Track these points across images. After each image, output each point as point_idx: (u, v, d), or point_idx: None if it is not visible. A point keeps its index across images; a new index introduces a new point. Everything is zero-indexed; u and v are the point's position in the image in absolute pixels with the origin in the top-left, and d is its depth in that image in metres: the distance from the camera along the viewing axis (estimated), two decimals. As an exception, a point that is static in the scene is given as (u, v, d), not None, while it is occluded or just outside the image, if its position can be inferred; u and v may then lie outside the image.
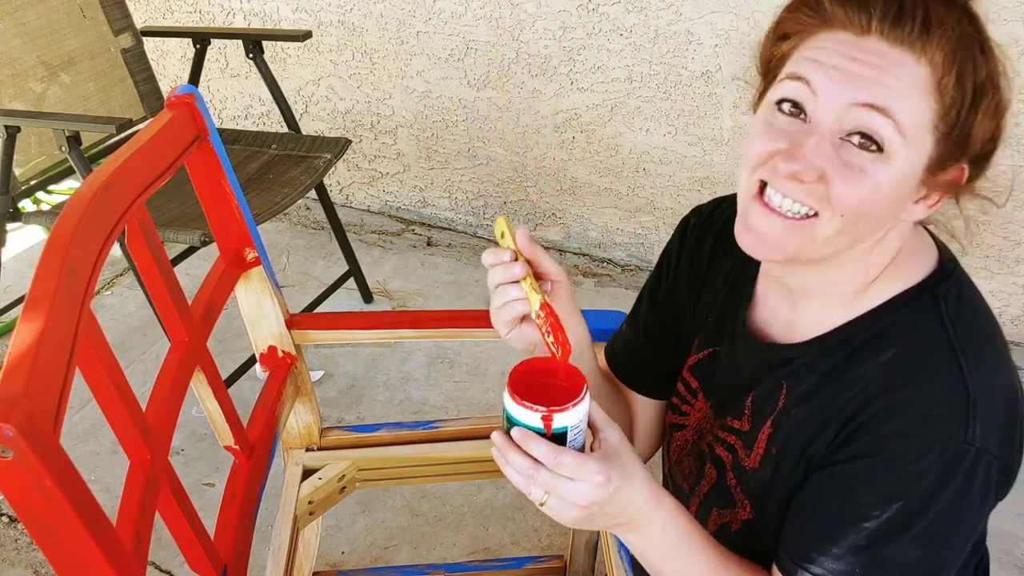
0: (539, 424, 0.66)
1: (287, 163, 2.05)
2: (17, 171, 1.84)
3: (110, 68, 2.13)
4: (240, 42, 2.14)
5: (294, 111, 2.37)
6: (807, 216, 0.68)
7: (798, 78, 0.67)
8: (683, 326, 0.93)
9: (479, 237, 2.68)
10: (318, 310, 2.20)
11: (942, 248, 0.77)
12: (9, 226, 1.93)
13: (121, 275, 2.49)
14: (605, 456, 0.68)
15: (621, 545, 1.02)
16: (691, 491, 0.89)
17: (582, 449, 0.70)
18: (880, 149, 0.64)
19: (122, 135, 1.76)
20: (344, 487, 1.23)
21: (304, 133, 2.17)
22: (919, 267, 0.74)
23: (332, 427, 1.29)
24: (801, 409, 0.75)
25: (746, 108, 2.08)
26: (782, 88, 0.68)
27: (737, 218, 0.72)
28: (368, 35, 2.44)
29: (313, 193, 2.09)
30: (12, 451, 0.52)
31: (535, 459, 0.67)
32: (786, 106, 0.68)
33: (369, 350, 2.18)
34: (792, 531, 0.74)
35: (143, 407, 0.80)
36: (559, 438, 0.67)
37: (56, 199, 2.65)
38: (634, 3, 2.08)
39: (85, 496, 0.59)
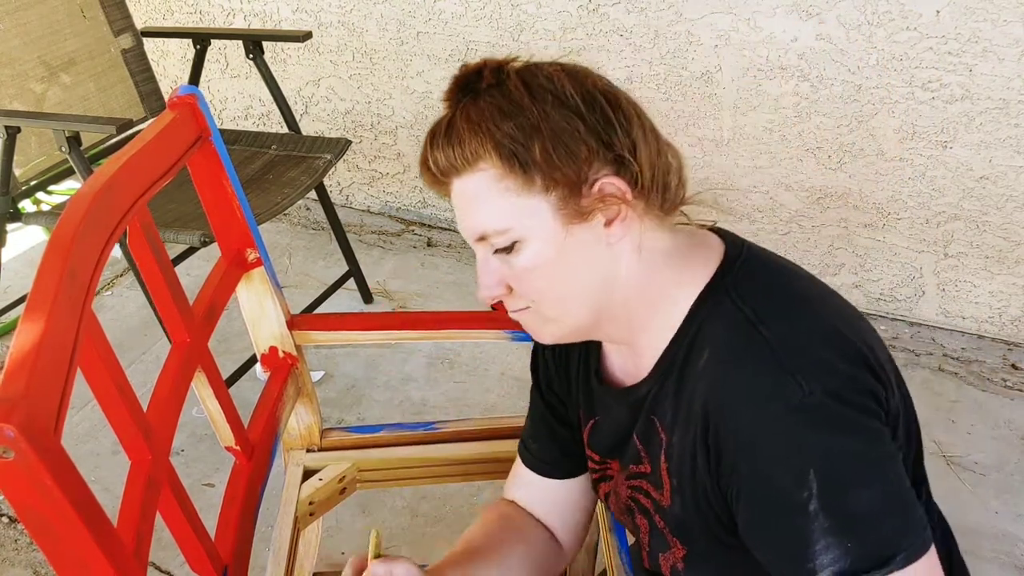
0: None
1: (287, 163, 2.05)
2: (17, 171, 1.84)
3: (110, 68, 2.13)
4: (240, 43, 2.14)
5: (294, 111, 2.37)
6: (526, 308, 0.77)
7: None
8: (568, 411, 0.97)
9: (479, 238, 2.68)
10: (318, 311, 2.20)
11: (728, 239, 0.80)
12: (9, 226, 1.93)
13: (122, 275, 2.49)
14: None
15: (622, 546, 1.02)
16: (639, 544, 0.90)
17: None
18: (510, 248, 0.73)
19: (122, 135, 1.76)
20: (344, 488, 1.23)
21: (304, 134, 2.17)
22: (704, 268, 0.77)
23: (333, 428, 1.29)
24: (675, 436, 0.77)
25: (747, 109, 2.08)
26: None
27: None
28: (368, 36, 2.44)
29: (313, 193, 2.09)
30: (13, 451, 0.52)
31: None
32: None
33: (369, 351, 2.18)
34: (773, 567, 0.71)
35: (144, 407, 0.80)
36: None
37: (56, 199, 2.65)
38: (634, 3, 2.08)
39: (86, 496, 0.59)
